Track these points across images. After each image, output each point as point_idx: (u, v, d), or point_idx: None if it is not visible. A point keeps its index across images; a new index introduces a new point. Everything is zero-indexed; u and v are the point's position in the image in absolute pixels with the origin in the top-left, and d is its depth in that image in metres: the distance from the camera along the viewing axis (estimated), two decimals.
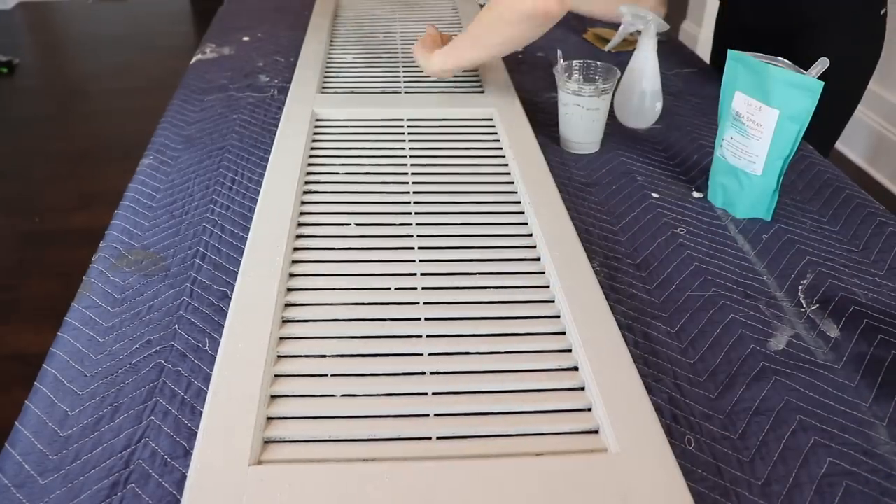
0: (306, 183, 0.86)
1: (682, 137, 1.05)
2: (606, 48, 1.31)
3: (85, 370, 0.64)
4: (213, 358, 0.62)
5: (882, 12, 1.12)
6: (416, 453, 0.54)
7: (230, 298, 0.68)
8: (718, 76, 0.92)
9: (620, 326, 0.65)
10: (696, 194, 0.91)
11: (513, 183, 0.87)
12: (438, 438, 0.56)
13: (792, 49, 1.11)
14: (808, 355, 0.67)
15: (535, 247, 0.76)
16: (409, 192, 0.85)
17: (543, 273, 0.73)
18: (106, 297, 0.72)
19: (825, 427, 0.60)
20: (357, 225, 0.79)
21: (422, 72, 1.16)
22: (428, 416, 0.57)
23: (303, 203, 0.82)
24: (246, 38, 1.38)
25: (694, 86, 1.21)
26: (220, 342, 0.63)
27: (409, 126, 1.00)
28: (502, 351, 0.64)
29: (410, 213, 0.81)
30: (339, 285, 0.70)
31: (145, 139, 1.04)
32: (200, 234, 0.81)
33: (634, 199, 0.89)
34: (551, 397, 0.59)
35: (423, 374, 0.61)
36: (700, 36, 2.78)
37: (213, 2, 1.72)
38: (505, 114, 1.01)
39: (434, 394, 0.59)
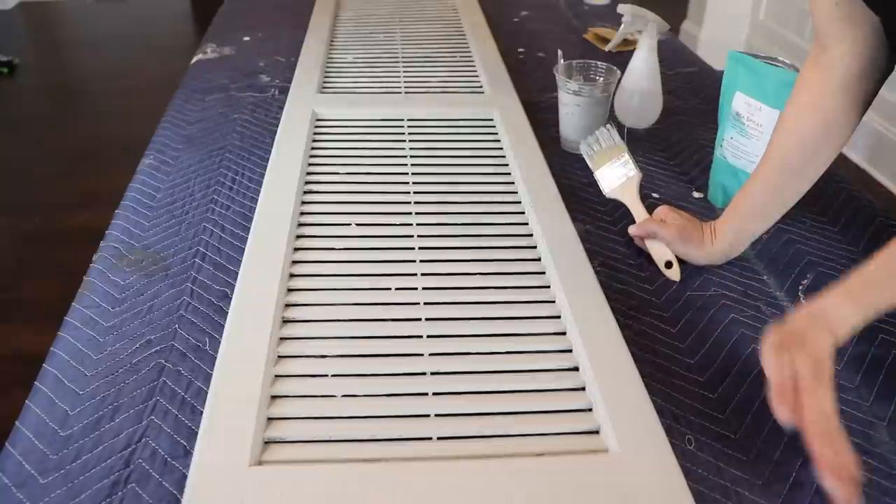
0: (307, 183, 0.86)
1: (683, 137, 1.05)
2: (606, 48, 1.31)
3: (85, 370, 0.64)
4: (214, 358, 0.62)
5: None
6: (416, 454, 0.54)
7: (230, 298, 0.68)
8: (719, 76, 0.92)
9: (621, 326, 0.65)
10: (696, 194, 0.91)
11: (513, 183, 0.87)
12: (439, 439, 0.56)
13: None
14: None
15: (535, 247, 0.76)
16: (409, 193, 0.85)
17: (544, 273, 0.73)
18: (106, 297, 0.72)
19: None
20: (357, 225, 0.79)
21: (422, 72, 1.16)
22: (428, 416, 0.57)
23: (303, 203, 0.82)
24: (246, 38, 1.38)
25: (694, 86, 1.21)
26: (220, 342, 0.63)
27: (409, 126, 1.00)
28: (503, 351, 0.63)
29: (411, 214, 0.81)
30: (339, 285, 0.70)
31: (146, 139, 1.04)
32: (201, 233, 0.81)
33: None
34: (552, 397, 0.59)
35: (424, 374, 0.61)
36: (700, 36, 2.78)
37: (213, 2, 1.72)
38: (505, 114, 1.01)
39: (434, 394, 0.59)
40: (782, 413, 0.51)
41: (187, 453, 0.56)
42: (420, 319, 0.66)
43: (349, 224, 0.79)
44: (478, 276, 0.72)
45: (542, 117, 1.06)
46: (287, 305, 0.68)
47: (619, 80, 0.99)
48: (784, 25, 2.60)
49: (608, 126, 0.86)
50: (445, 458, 0.54)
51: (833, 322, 0.54)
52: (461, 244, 0.76)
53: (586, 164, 0.86)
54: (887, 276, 0.55)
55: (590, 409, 0.58)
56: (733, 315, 0.71)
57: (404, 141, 0.96)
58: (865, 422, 0.60)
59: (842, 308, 0.55)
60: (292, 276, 0.71)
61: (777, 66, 0.81)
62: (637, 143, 1.02)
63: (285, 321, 0.66)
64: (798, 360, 0.52)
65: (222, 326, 0.65)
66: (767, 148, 0.71)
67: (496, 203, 0.83)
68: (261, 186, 0.84)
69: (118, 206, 0.87)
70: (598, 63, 0.99)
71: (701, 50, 2.67)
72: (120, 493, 0.53)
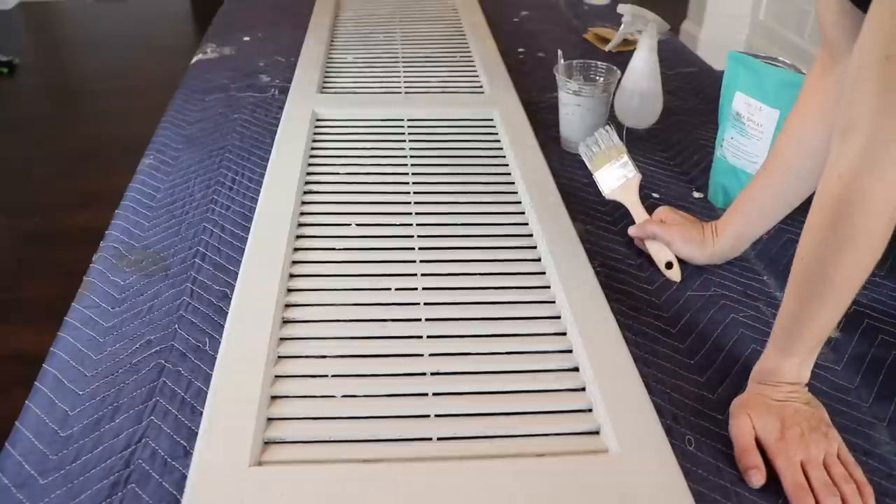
0: (307, 183, 0.86)
1: (683, 137, 1.05)
2: (606, 48, 1.31)
3: (85, 370, 0.64)
4: (214, 358, 0.62)
5: None
6: (416, 454, 0.54)
7: (230, 298, 0.68)
8: (719, 76, 0.92)
9: (620, 326, 0.65)
10: (696, 194, 0.91)
11: (513, 183, 0.87)
12: (439, 439, 0.56)
13: None
14: None
15: (535, 247, 0.76)
16: (409, 193, 0.85)
17: (544, 273, 0.73)
18: (106, 297, 0.72)
19: None
20: (357, 225, 0.79)
21: (422, 72, 1.16)
22: (428, 416, 0.57)
23: (303, 203, 0.82)
24: (246, 38, 1.38)
25: (694, 86, 1.21)
26: (220, 342, 0.63)
27: (409, 126, 0.99)
28: (503, 351, 0.63)
29: (411, 214, 0.81)
30: (339, 286, 0.70)
31: (146, 139, 1.04)
32: (201, 234, 0.81)
33: None
34: (552, 398, 0.59)
35: (424, 374, 0.61)
36: (700, 36, 2.78)
37: (213, 2, 1.72)
38: (505, 114, 1.01)
39: (434, 394, 0.59)
40: (751, 476, 0.55)
41: (187, 453, 0.56)
42: (420, 320, 0.66)
43: (349, 224, 0.79)
44: (478, 276, 0.72)
45: (542, 117, 1.06)
46: (287, 305, 0.68)
47: (619, 80, 0.99)
48: (784, 25, 2.60)
49: (607, 127, 0.86)
50: (445, 458, 0.54)
51: (787, 376, 0.58)
52: (461, 244, 0.76)
53: (586, 165, 0.86)
54: (793, 324, 0.57)
55: (590, 410, 0.58)
56: (733, 315, 0.71)
57: (404, 141, 0.96)
58: (865, 422, 0.60)
59: (786, 361, 0.58)
60: (292, 276, 0.71)
61: (777, 66, 0.81)
62: (637, 143, 1.02)
63: (285, 321, 0.66)
64: (759, 424, 0.57)
65: (222, 326, 0.65)
66: (771, 151, 0.71)
67: (496, 203, 0.83)
68: (261, 186, 0.84)
69: (118, 206, 0.87)
70: (598, 63, 0.99)
71: (701, 50, 2.67)
72: (120, 494, 0.53)
